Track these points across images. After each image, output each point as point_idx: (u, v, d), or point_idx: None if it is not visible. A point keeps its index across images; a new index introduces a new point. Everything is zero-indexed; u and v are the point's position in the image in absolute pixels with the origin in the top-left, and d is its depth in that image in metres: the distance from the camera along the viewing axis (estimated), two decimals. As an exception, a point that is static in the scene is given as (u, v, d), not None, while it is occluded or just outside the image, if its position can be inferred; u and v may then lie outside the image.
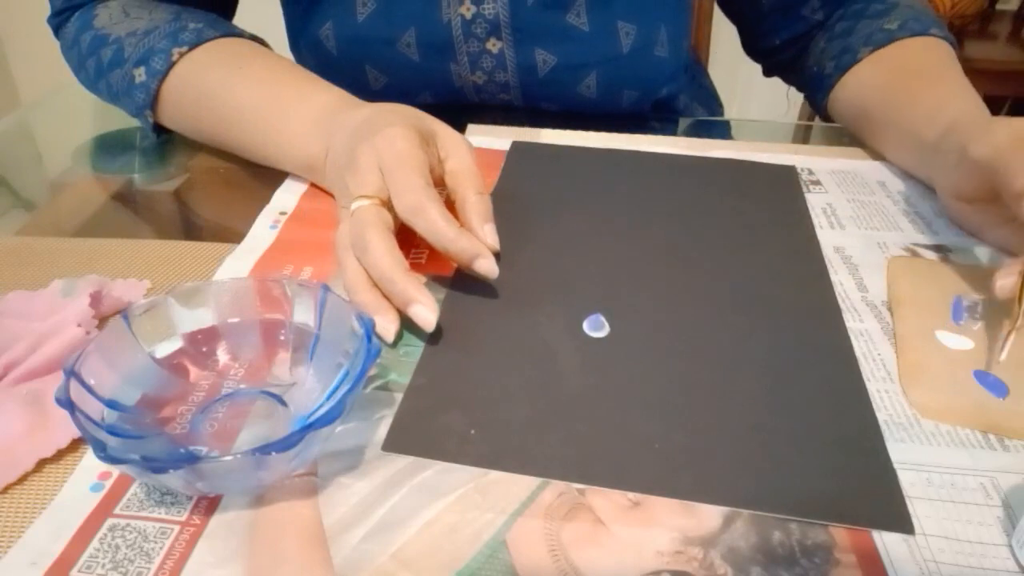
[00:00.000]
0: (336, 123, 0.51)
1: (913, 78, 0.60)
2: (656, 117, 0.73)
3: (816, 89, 0.69)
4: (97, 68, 0.61)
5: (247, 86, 0.57)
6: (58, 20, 0.66)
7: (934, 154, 0.53)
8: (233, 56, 0.59)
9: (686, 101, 0.76)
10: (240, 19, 0.69)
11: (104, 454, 0.30)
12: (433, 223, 0.42)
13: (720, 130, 0.73)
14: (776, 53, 0.75)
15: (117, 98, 0.62)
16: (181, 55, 0.58)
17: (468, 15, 0.62)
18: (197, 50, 0.58)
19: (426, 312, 0.40)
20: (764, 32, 0.74)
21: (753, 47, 0.78)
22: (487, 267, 0.42)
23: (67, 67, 0.66)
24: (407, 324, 0.42)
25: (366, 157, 0.44)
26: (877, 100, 0.61)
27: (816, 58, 0.69)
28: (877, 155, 0.62)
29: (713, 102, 0.86)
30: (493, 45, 0.64)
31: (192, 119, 0.60)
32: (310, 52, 0.69)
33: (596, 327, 0.42)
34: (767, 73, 0.80)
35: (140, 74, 0.59)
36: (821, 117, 0.71)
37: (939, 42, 0.63)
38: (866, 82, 0.63)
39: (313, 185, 0.56)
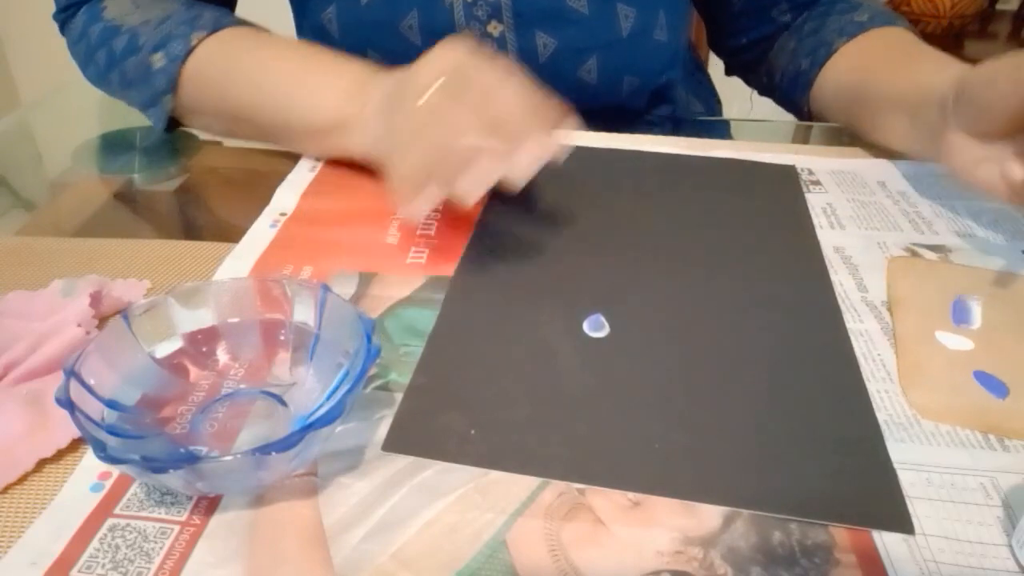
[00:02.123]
0: (376, 80, 0.52)
1: (903, 54, 0.61)
2: (655, 117, 0.73)
3: (794, 88, 0.69)
4: (108, 58, 0.61)
5: (276, 54, 0.58)
6: (64, 15, 0.65)
7: (939, 103, 0.52)
8: (257, 36, 0.59)
9: (683, 93, 0.76)
10: (242, 8, 0.69)
11: (104, 454, 0.30)
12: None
13: (720, 130, 0.73)
14: (741, 52, 0.76)
15: (130, 87, 0.61)
16: (200, 40, 0.58)
17: None
18: (216, 35, 0.58)
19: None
20: (732, 31, 0.75)
21: (719, 44, 0.79)
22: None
23: (67, 67, 0.65)
24: (407, 324, 0.42)
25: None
26: (867, 77, 0.62)
27: (788, 59, 0.70)
28: (877, 155, 0.62)
29: (712, 99, 0.86)
30: (494, 28, 0.64)
31: (215, 93, 0.59)
32: (313, 37, 0.69)
33: (596, 327, 0.42)
34: (728, 72, 0.81)
35: (159, 59, 0.58)
36: (800, 116, 0.71)
37: (908, 32, 0.65)
38: (852, 65, 0.64)
39: (313, 185, 0.56)
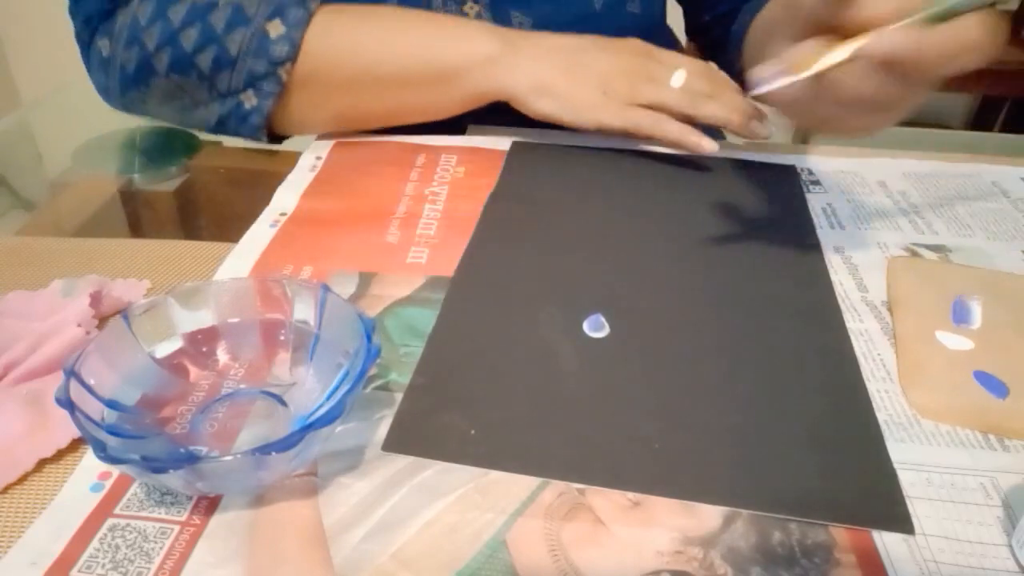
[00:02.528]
0: (513, 31, 0.58)
1: None
2: None
3: (734, 42, 0.68)
4: (204, 36, 0.56)
5: (411, 9, 0.58)
6: (113, 4, 0.59)
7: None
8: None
9: None
10: None
11: (104, 454, 0.30)
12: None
13: (718, 130, 0.73)
14: (707, 31, 0.75)
15: (229, 66, 0.56)
16: (316, 2, 0.56)
17: None
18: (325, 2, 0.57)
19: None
20: (696, 9, 0.75)
21: (689, 25, 0.79)
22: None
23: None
24: (407, 324, 0.42)
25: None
26: (784, 10, 0.58)
27: (739, 22, 0.69)
28: (877, 155, 0.62)
29: None
30: (470, 8, 0.63)
31: (342, 54, 0.57)
32: None
33: (596, 327, 0.42)
34: (704, 55, 0.79)
35: (277, 26, 0.56)
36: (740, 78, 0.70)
37: None
38: (777, 5, 0.60)
39: (313, 185, 0.56)
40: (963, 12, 0.36)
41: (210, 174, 0.59)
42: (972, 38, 0.37)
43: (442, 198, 0.54)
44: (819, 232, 0.51)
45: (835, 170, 0.59)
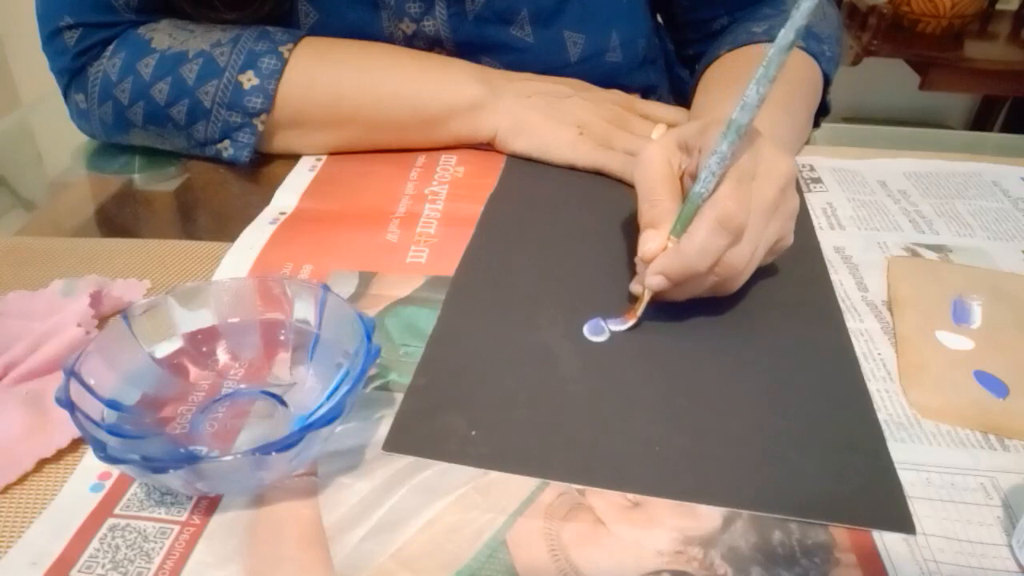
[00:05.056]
0: (494, 71, 0.59)
1: (723, 83, 0.58)
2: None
3: (693, 86, 0.66)
4: (177, 89, 0.56)
5: (380, 52, 0.58)
6: (83, 60, 0.59)
7: None
8: (338, 41, 0.59)
9: (663, 94, 0.74)
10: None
11: (104, 454, 0.30)
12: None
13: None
14: (694, 62, 0.72)
15: (205, 117, 0.57)
16: (290, 51, 0.56)
17: (408, 32, 0.60)
18: (299, 45, 0.57)
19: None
20: (681, 42, 0.74)
21: (678, 55, 0.77)
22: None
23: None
24: (407, 324, 0.42)
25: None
26: (701, 94, 0.60)
27: (700, 62, 0.66)
28: (878, 154, 0.62)
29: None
30: (438, 53, 0.62)
31: (325, 99, 0.58)
32: None
33: (596, 331, 0.42)
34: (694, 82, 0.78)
35: (250, 78, 0.56)
36: None
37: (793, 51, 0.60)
38: (708, 78, 0.61)
39: (313, 185, 0.56)
40: (696, 207, 0.40)
41: (210, 174, 0.59)
42: (700, 238, 0.39)
43: (442, 198, 0.54)
44: (819, 232, 0.51)
45: (835, 169, 0.59)
